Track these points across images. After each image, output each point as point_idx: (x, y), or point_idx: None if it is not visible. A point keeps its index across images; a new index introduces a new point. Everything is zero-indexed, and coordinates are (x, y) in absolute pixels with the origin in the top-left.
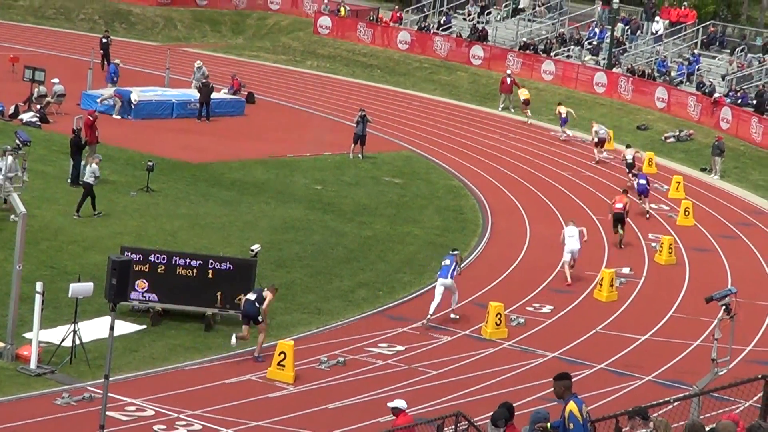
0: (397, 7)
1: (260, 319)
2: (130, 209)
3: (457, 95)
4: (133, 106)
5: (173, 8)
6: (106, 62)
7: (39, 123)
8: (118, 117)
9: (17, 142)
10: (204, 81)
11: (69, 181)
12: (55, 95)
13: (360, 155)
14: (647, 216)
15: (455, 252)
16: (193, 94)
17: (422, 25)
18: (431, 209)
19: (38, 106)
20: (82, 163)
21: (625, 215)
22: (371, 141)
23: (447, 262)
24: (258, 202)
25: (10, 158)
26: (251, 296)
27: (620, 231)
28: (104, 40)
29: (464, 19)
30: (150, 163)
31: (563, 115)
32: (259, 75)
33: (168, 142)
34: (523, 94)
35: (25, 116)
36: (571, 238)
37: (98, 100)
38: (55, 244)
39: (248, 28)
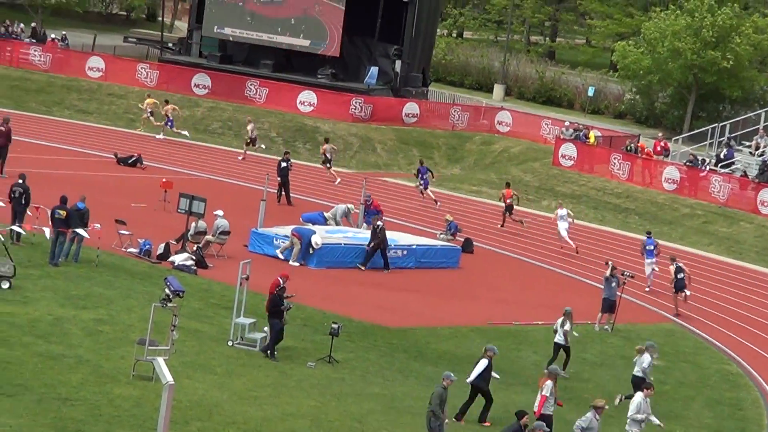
0: (662, 134)
1: None
2: (306, 384)
3: (740, 253)
4: (313, 250)
5: (372, 126)
6: (283, 191)
7: (195, 267)
8: (296, 263)
9: (167, 291)
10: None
11: (230, 344)
12: (216, 232)
13: (608, 327)
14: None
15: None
16: (396, 238)
17: (696, 160)
18: (700, 401)
19: (195, 246)
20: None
21: (514, 204)
22: (625, 309)
23: (651, 247)
24: None
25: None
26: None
27: (508, 215)
28: (283, 164)
29: (751, 153)
30: (335, 326)
31: (169, 117)
32: (479, 216)
33: (358, 299)
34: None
35: (178, 258)
36: (562, 218)
37: (278, 251)
38: (209, 426)
39: (468, 155)
